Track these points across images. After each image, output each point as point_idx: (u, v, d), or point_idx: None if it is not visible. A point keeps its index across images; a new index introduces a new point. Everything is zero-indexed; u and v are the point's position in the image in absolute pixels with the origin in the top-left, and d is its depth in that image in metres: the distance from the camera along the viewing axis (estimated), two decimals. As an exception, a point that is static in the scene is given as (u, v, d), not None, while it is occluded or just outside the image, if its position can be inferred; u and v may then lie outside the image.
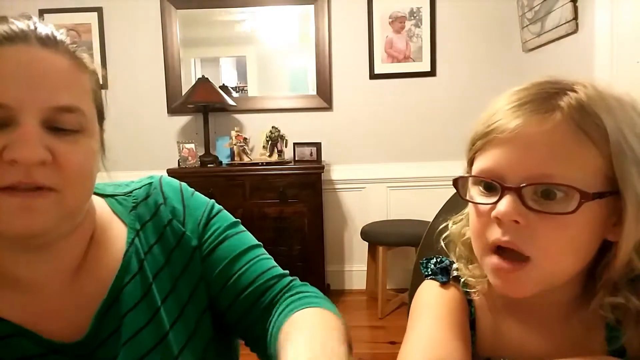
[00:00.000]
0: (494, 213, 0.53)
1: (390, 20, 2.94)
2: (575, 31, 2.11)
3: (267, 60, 3.06)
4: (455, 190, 0.62)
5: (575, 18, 2.08)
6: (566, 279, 0.55)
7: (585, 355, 0.56)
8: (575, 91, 0.53)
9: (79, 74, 0.56)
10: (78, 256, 0.61)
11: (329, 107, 3.01)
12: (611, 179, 0.51)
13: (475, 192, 0.57)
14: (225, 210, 0.73)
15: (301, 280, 0.71)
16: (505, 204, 0.51)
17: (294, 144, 2.87)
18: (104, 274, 0.61)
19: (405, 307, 0.71)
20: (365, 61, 2.98)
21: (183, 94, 2.96)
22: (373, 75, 2.98)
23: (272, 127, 2.88)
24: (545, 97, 0.53)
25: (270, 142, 2.87)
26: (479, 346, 0.64)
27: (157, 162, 2.92)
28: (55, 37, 0.55)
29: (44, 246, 0.56)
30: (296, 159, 2.85)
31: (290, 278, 0.69)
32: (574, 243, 0.52)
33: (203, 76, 2.86)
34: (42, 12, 2.96)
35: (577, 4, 2.07)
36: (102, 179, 0.66)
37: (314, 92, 3.01)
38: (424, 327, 0.61)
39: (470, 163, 0.60)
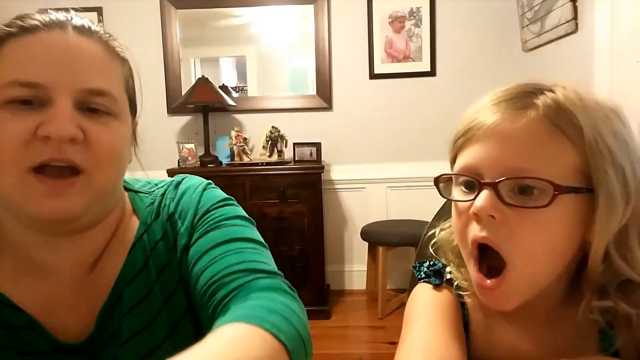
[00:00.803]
0: (471, 209, 0.53)
1: (390, 20, 2.94)
2: (575, 31, 2.11)
3: (267, 60, 3.06)
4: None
5: (575, 18, 2.08)
6: (547, 283, 0.55)
7: (583, 353, 0.56)
8: (553, 91, 0.55)
9: (111, 61, 0.58)
10: (100, 248, 0.61)
11: (329, 107, 3.01)
12: (588, 176, 0.52)
13: (457, 192, 0.58)
14: (236, 206, 0.67)
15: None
16: (482, 199, 0.52)
17: (294, 144, 2.87)
18: (112, 268, 0.61)
19: (405, 307, 0.71)
20: (365, 61, 2.98)
21: (183, 94, 2.96)
22: (373, 75, 2.98)
23: (272, 127, 2.88)
24: (522, 96, 0.55)
25: (270, 142, 2.87)
26: (472, 349, 0.64)
27: (157, 162, 2.92)
28: (89, 27, 0.57)
29: (72, 233, 0.57)
30: (296, 159, 2.85)
31: (258, 275, 0.56)
32: (551, 241, 0.52)
33: (203, 76, 2.86)
34: (42, 12, 2.96)
35: (577, 4, 2.07)
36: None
37: (314, 92, 3.01)
38: (419, 329, 0.61)
39: (453, 162, 0.60)
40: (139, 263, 0.61)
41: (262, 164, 2.72)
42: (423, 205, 2.88)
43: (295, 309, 0.51)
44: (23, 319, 0.56)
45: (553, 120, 0.52)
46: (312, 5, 2.95)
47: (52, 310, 0.58)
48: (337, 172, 3.04)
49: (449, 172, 0.60)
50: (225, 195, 0.68)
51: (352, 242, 3.07)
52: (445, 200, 0.71)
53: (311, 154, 2.85)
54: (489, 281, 0.54)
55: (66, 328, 0.58)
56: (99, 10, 2.97)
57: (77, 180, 0.52)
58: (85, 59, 0.54)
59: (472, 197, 0.54)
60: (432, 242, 0.70)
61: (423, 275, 0.70)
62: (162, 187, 0.69)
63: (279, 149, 2.87)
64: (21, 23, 0.55)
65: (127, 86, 0.62)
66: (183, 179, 0.69)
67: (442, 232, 0.69)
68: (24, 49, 0.53)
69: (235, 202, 0.68)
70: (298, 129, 2.98)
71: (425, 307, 0.65)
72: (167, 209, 0.65)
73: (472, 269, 0.56)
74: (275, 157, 2.85)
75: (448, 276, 0.67)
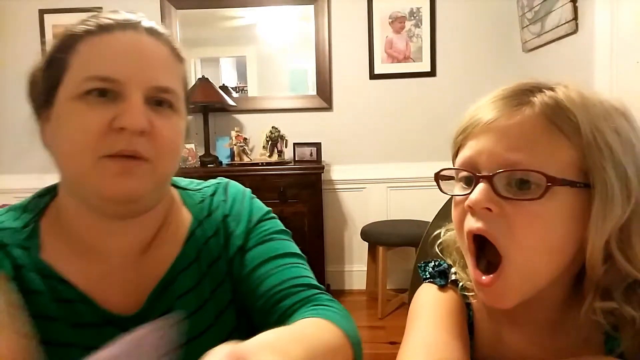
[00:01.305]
0: (466, 202, 0.53)
1: (390, 20, 2.94)
2: (575, 31, 2.11)
3: (267, 60, 3.06)
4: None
5: (575, 18, 2.08)
6: (546, 282, 0.54)
7: (586, 354, 0.56)
8: (553, 90, 0.55)
9: (175, 62, 0.63)
10: (152, 233, 0.65)
11: (329, 107, 3.01)
12: (586, 172, 0.52)
13: (457, 188, 0.59)
14: (277, 219, 0.75)
15: None
16: (477, 192, 0.52)
17: (294, 144, 2.87)
18: (165, 255, 0.65)
19: (405, 307, 0.71)
20: (365, 61, 2.98)
21: (183, 94, 2.96)
22: (373, 76, 2.98)
23: (272, 127, 2.88)
24: (520, 93, 0.56)
25: (270, 142, 2.87)
26: (478, 350, 0.64)
27: (157, 162, 2.92)
28: (157, 29, 0.62)
29: (128, 217, 0.61)
30: (296, 159, 2.85)
31: (317, 291, 0.65)
32: (548, 235, 0.52)
33: (203, 76, 2.86)
34: (42, 12, 2.96)
35: (577, 4, 2.07)
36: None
37: (314, 92, 3.01)
38: (423, 329, 0.61)
39: (454, 159, 0.61)
40: (191, 255, 0.66)
41: (262, 164, 2.72)
42: (423, 205, 2.88)
43: (350, 317, 0.62)
44: (74, 292, 0.59)
45: (549, 117, 0.52)
46: (312, 6, 2.95)
47: (102, 288, 0.61)
48: (337, 172, 3.04)
49: (441, 169, 0.61)
50: (267, 208, 0.75)
51: (352, 242, 3.07)
52: (447, 199, 0.71)
53: (311, 154, 2.85)
54: (484, 277, 0.54)
55: (116, 304, 0.61)
56: (99, 10, 2.97)
57: (143, 165, 0.57)
58: (154, 58, 0.60)
59: (468, 191, 0.55)
60: (438, 242, 0.70)
61: (428, 276, 0.69)
62: (209, 187, 0.75)
63: (279, 149, 2.87)
64: (98, 22, 0.59)
65: (185, 85, 0.66)
66: (228, 182, 0.77)
67: (448, 233, 0.69)
68: (102, 46, 0.58)
69: (274, 215, 0.76)
70: (298, 129, 2.98)
71: (430, 307, 0.65)
72: (221, 210, 0.71)
73: (469, 264, 0.57)
74: (275, 157, 2.85)
75: (453, 277, 0.67)
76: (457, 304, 0.65)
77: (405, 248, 2.76)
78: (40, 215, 0.64)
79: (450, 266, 0.69)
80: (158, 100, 0.59)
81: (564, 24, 2.15)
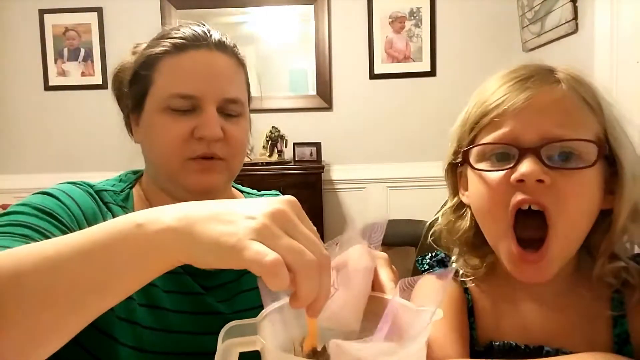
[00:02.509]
0: (515, 175, 0.54)
1: (390, 20, 2.94)
2: (575, 31, 2.11)
3: (267, 60, 3.05)
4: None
5: (575, 18, 2.08)
6: (575, 251, 0.57)
7: (589, 331, 0.57)
8: (560, 70, 0.59)
9: (239, 70, 0.75)
10: None
11: (329, 107, 3.01)
12: (604, 146, 0.55)
13: (484, 165, 0.58)
14: None
15: None
16: (528, 164, 0.53)
17: (294, 144, 2.87)
18: None
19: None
20: (365, 61, 2.98)
21: (183, 94, 2.96)
22: (373, 75, 2.98)
23: (272, 127, 2.88)
24: (545, 73, 0.58)
25: (270, 142, 2.87)
26: (480, 332, 0.65)
27: (157, 162, 2.93)
28: (224, 42, 0.73)
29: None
30: (296, 159, 2.85)
31: None
32: (591, 202, 0.55)
33: (203, 76, 2.86)
34: (42, 12, 2.96)
35: (577, 4, 2.07)
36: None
37: (314, 92, 3.01)
38: None
39: (470, 144, 0.61)
40: None
41: (262, 164, 2.72)
42: (423, 205, 2.88)
43: None
44: None
45: (580, 92, 0.56)
46: (312, 6, 2.95)
47: None
48: (337, 172, 3.03)
49: (477, 144, 0.60)
50: None
51: (352, 242, 3.06)
52: (446, 199, 0.71)
53: (311, 154, 2.85)
54: (530, 255, 0.55)
55: None
56: (99, 10, 2.97)
57: (219, 163, 0.70)
58: (224, 73, 0.71)
59: (508, 166, 0.55)
60: (432, 230, 0.71)
61: (427, 267, 0.70)
62: (270, 194, 0.87)
63: (279, 149, 2.87)
64: (173, 42, 0.70)
65: (247, 86, 0.78)
66: (278, 194, 0.87)
67: (445, 221, 0.69)
68: (179, 65, 0.69)
69: None
70: (298, 129, 2.98)
71: (429, 297, 0.65)
72: None
73: (510, 243, 0.56)
74: (275, 157, 2.85)
75: (454, 265, 0.68)
76: (456, 292, 0.66)
77: (405, 248, 2.76)
78: (132, 185, 0.76)
79: (447, 255, 0.69)
80: (229, 110, 0.71)
81: (564, 23, 2.15)
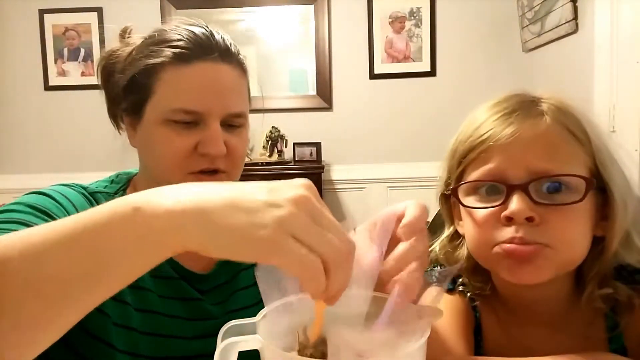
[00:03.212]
0: (506, 213, 0.54)
1: (390, 20, 2.94)
2: (575, 31, 2.11)
3: (267, 60, 3.05)
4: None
5: (575, 18, 2.08)
6: (574, 267, 0.58)
7: (589, 349, 0.57)
8: (547, 99, 0.59)
9: (243, 80, 0.73)
10: None
11: (329, 107, 3.01)
12: (595, 175, 0.55)
13: (472, 200, 0.58)
14: None
15: None
16: (516, 202, 0.53)
17: (294, 144, 2.87)
18: None
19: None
20: (365, 61, 2.98)
21: (183, 94, 2.96)
22: (373, 75, 2.98)
23: (272, 127, 2.88)
24: (529, 105, 0.58)
25: (270, 142, 2.87)
26: (487, 350, 0.65)
27: (157, 162, 2.92)
28: (230, 50, 0.71)
29: None
30: (296, 159, 2.85)
31: None
32: (583, 230, 0.55)
33: (203, 76, 2.86)
34: (42, 12, 2.96)
35: (577, 4, 2.07)
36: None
37: (314, 92, 3.01)
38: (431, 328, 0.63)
39: (459, 178, 0.61)
40: None
41: (262, 164, 2.72)
42: (423, 205, 2.88)
43: None
44: None
45: (564, 123, 0.55)
46: (312, 6, 2.95)
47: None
48: (337, 172, 3.03)
49: (464, 182, 0.60)
50: None
51: (352, 242, 3.06)
52: (447, 225, 0.72)
53: (311, 154, 2.85)
54: (524, 247, 0.54)
55: (191, 263, 0.71)
56: (99, 10, 2.97)
57: (222, 175, 0.69)
58: (230, 87, 0.70)
59: (496, 202, 0.55)
60: (430, 257, 0.71)
61: (435, 280, 0.70)
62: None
63: (279, 149, 2.87)
64: (175, 51, 0.66)
65: (249, 95, 0.76)
66: None
67: (442, 250, 0.68)
68: (185, 80, 0.66)
69: None
70: (298, 129, 2.98)
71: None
72: None
73: (499, 249, 0.56)
74: (275, 157, 2.85)
75: (460, 288, 0.67)
76: (463, 308, 0.66)
77: (405, 248, 2.76)
78: (125, 187, 0.74)
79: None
80: (232, 122, 0.69)
81: (564, 23, 2.15)
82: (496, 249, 0.56)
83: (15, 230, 0.54)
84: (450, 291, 0.67)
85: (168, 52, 0.67)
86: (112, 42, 0.76)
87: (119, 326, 0.64)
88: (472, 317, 0.66)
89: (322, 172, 2.72)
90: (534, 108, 0.57)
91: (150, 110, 0.68)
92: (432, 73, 2.96)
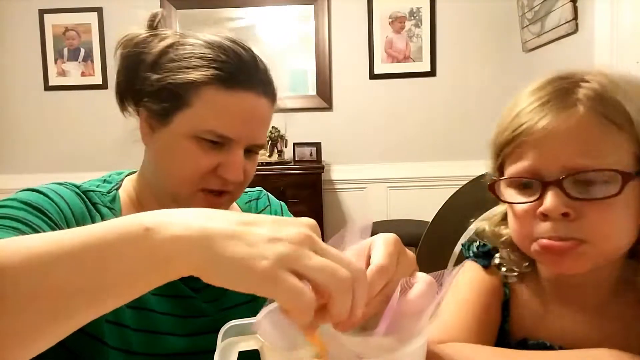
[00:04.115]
0: (541, 209, 0.54)
1: (390, 20, 2.94)
2: (575, 31, 2.11)
3: (267, 60, 3.05)
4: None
5: (575, 18, 2.08)
6: (619, 255, 0.57)
7: (629, 337, 0.57)
8: (588, 81, 0.56)
9: (272, 112, 0.76)
10: None
11: (329, 107, 3.01)
12: (630, 172, 0.53)
13: (510, 195, 0.58)
14: None
15: None
16: (551, 198, 0.53)
17: (294, 144, 2.87)
18: None
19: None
20: (365, 61, 2.98)
21: (183, 94, 2.96)
22: (373, 75, 2.98)
23: (272, 127, 2.88)
24: (564, 93, 0.55)
25: (270, 142, 2.87)
26: (515, 327, 0.66)
27: (157, 162, 2.92)
28: (271, 85, 0.74)
29: None
30: (296, 159, 2.85)
31: None
32: (623, 222, 0.54)
33: (203, 76, 2.86)
34: (42, 12, 2.96)
35: (577, 4, 2.07)
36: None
37: (314, 92, 3.01)
38: (450, 306, 0.64)
39: (500, 168, 0.61)
40: None
41: (262, 164, 2.72)
42: (423, 205, 2.88)
43: None
44: None
45: (600, 111, 0.53)
46: (312, 6, 2.95)
47: None
48: (337, 172, 3.03)
49: (503, 177, 0.60)
50: None
51: (352, 242, 3.06)
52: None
53: (311, 154, 2.85)
54: (560, 242, 0.54)
55: None
56: (99, 10, 2.97)
57: (226, 195, 0.71)
58: (262, 120, 0.72)
59: (532, 197, 0.55)
60: (476, 227, 0.71)
61: (471, 255, 0.70)
62: (254, 192, 0.90)
63: (279, 149, 2.87)
64: (219, 74, 0.67)
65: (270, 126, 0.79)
66: (267, 193, 0.92)
67: (491, 225, 0.69)
68: (227, 106, 0.67)
69: None
70: (298, 129, 2.98)
71: (464, 286, 0.67)
72: (269, 211, 0.88)
73: (536, 242, 0.56)
74: (275, 157, 2.85)
75: (497, 261, 0.68)
76: (494, 286, 0.67)
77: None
78: (118, 187, 0.74)
79: (494, 247, 0.69)
80: (253, 150, 0.73)
81: (564, 24, 2.15)
82: (534, 245, 0.56)
83: (9, 226, 0.53)
84: (485, 267, 0.68)
85: (213, 71, 0.67)
86: (134, 27, 0.76)
87: (112, 323, 0.64)
88: (501, 295, 0.66)
89: (322, 172, 2.72)
90: (569, 96, 0.55)
91: (180, 122, 0.67)
92: (432, 73, 2.96)
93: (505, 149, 0.58)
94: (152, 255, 0.35)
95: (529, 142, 0.55)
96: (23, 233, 0.54)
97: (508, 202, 0.59)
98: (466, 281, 0.67)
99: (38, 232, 0.55)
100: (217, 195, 0.69)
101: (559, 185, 0.53)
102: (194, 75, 0.66)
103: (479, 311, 0.64)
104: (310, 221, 0.39)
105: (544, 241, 0.55)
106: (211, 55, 0.68)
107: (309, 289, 0.34)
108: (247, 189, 0.87)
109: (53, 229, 0.58)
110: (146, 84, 0.70)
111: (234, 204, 0.82)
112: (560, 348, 0.60)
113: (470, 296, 0.65)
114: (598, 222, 0.52)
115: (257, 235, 0.35)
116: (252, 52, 0.74)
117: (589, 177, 0.52)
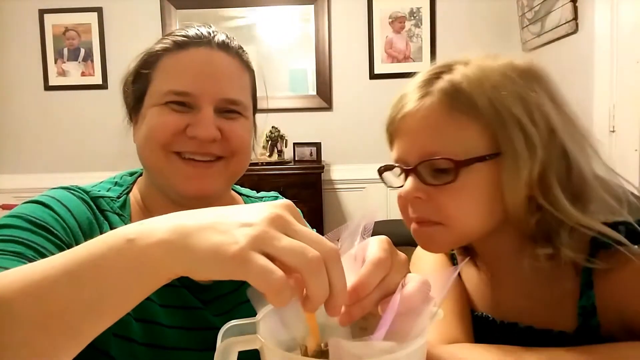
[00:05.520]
0: (398, 193, 0.61)
1: (390, 20, 2.94)
2: (575, 31, 2.11)
3: (267, 60, 3.05)
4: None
5: (575, 18, 2.08)
6: (479, 235, 0.61)
7: (558, 301, 0.59)
8: (452, 71, 0.61)
9: (243, 73, 0.73)
10: None
11: (329, 107, 3.01)
12: (497, 142, 0.57)
13: (390, 181, 0.66)
14: None
15: None
16: (407, 184, 0.60)
17: (294, 144, 2.87)
18: None
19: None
20: (365, 61, 2.98)
21: (183, 94, 2.96)
22: (373, 75, 2.98)
23: (272, 127, 2.88)
24: (425, 84, 0.62)
25: (270, 142, 2.87)
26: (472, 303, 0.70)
27: (157, 162, 2.92)
28: (228, 43, 0.70)
29: (203, 205, 0.68)
30: (296, 159, 2.85)
31: None
32: (472, 205, 0.58)
33: (203, 76, 2.86)
34: (42, 12, 2.96)
35: (577, 4, 2.07)
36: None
37: (314, 92, 3.01)
38: None
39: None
40: None
41: (262, 164, 2.72)
42: (423, 205, 2.89)
43: None
44: None
45: (449, 104, 0.58)
46: (312, 6, 2.95)
47: None
48: (337, 172, 3.03)
49: (384, 169, 0.68)
50: None
51: (352, 242, 3.06)
52: None
53: (311, 154, 2.85)
54: (419, 226, 0.61)
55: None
56: (99, 10, 2.97)
57: (216, 164, 0.68)
58: (225, 72, 0.68)
59: (401, 183, 0.62)
60: None
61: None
62: (269, 197, 0.87)
63: (279, 149, 2.87)
64: (174, 39, 0.68)
65: (253, 92, 0.78)
66: (283, 198, 0.88)
67: None
68: (178, 63, 0.67)
69: None
70: (298, 129, 2.98)
71: (427, 264, 0.75)
72: None
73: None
74: (275, 157, 2.85)
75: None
76: (445, 259, 0.73)
77: (405, 248, 2.74)
78: (129, 190, 0.73)
79: None
80: (228, 110, 0.68)
81: (564, 24, 2.15)
82: (412, 225, 0.62)
83: (12, 251, 0.53)
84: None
85: (168, 40, 0.69)
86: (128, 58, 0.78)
87: (119, 337, 0.63)
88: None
89: (322, 172, 2.72)
90: (426, 88, 0.61)
91: (147, 100, 0.68)
92: (432, 73, 2.96)
93: (389, 128, 0.66)
94: (140, 264, 0.36)
95: (394, 129, 0.63)
96: (26, 256, 0.53)
97: (389, 187, 0.66)
98: (426, 262, 0.75)
99: (42, 253, 0.55)
100: (198, 162, 0.66)
101: (414, 172, 0.58)
102: (153, 48, 0.70)
103: (456, 304, 0.66)
104: (285, 201, 0.39)
105: (413, 225, 0.61)
106: (169, 33, 0.72)
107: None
108: (264, 193, 0.87)
109: (58, 246, 0.58)
110: (129, 90, 0.73)
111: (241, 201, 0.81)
112: (501, 322, 0.63)
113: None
114: (445, 206, 0.57)
115: (230, 223, 0.35)
116: (212, 26, 0.72)
117: (435, 165, 0.57)
